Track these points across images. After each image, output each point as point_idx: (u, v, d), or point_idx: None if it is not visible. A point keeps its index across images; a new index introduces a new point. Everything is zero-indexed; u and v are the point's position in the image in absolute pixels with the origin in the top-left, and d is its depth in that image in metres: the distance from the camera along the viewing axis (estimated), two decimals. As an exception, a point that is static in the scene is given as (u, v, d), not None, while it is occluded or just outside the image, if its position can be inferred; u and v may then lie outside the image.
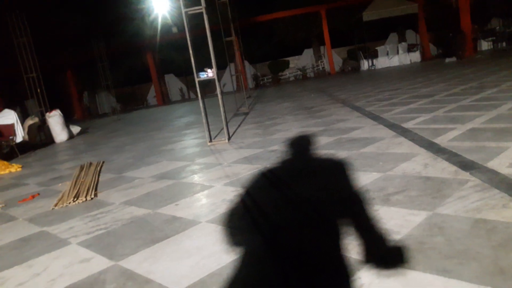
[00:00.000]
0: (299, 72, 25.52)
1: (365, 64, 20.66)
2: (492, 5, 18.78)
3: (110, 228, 2.78)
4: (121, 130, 10.94)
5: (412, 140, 3.71)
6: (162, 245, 2.32)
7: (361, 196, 2.51)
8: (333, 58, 24.32)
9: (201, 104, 5.55)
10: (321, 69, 25.43)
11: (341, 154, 3.68)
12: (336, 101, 8.55)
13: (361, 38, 20.82)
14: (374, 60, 20.10)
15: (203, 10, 5.27)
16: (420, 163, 2.95)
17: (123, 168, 5.06)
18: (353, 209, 2.35)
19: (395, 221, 2.06)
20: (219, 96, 5.63)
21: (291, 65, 26.38)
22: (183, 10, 5.31)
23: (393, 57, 19.87)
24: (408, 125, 4.46)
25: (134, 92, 25.95)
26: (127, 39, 21.03)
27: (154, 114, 16.07)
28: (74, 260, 2.31)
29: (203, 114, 5.59)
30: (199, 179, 3.77)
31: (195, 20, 5.82)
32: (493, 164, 2.65)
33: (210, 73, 5.51)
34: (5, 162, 6.95)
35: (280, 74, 25.84)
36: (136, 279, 1.94)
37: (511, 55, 12.78)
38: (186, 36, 5.34)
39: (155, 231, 2.57)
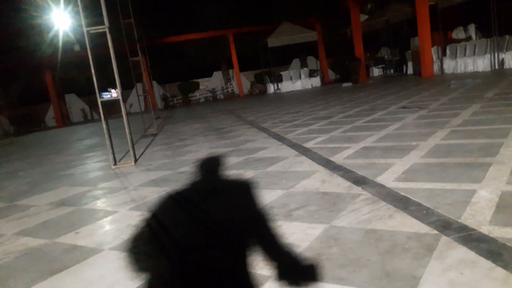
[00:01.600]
0: (209, 94, 25.76)
1: (271, 88, 21.60)
2: (381, 36, 21.03)
3: (0, 262, 2.52)
4: (12, 155, 9.95)
5: (312, 158, 3.98)
6: (61, 276, 2.17)
7: (265, 213, 2.63)
8: (242, 81, 25.07)
9: (104, 125, 5.32)
10: (230, 91, 25.98)
11: (248, 173, 3.80)
12: (244, 122, 8.80)
13: (267, 63, 21.79)
14: (279, 84, 21.12)
15: (106, 30, 5.12)
16: (319, 180, 3.19)
17: (16, 196, 4.61)
18: (258, 226, 2.45)
19: (296, 235, 2.20)
20: (124, 116, 5.47)
21: (201, 87, 26.53)
22: (85, 29, 5.11)
23: (296, 82, 21.09)
24: (309, 144, 4.78)
25: (30, 113, 23.80)
26: (22, 55, 19.37)
27: (53, 136, 14.91)
28: (-46, 301, 2.06)
29: (106, 135, 5.36)
30: (102, 205, 3.59)
31: (99, 39, 5.62)
32: (381, 179, 2.96)
33: (114, 93, 5.33)
34: None
35: (190, 95, 25.82)
36: (30, 316, 1.79)
37: (397, 81, 14.39)
38: (88, 55, 5.13)
39: (53, 262, 2.39)
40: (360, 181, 3.00)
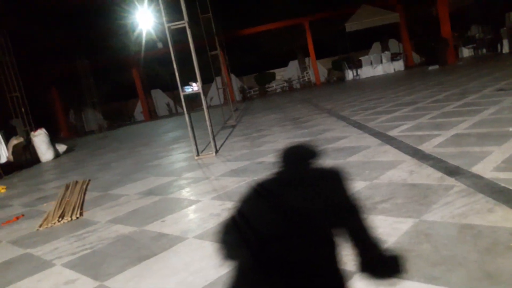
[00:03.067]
0: (285, 84, 25.70)
1: (349, 74, 20.91)
2: (471, 13, 19.24)
3: (95, 247, 2.73)
4: (107, 147, 10.83)
5: (397, 147, 3.74)
6: (149, 263, 2.28)
7: (347, 205, 2.51)
8: (318, 69, 24.60)
9: (187, 118, 5.53)
10: (306, 80, 25.66)
11: (328, 163, 3.68)
12: (322, 111, 8.60)
13: (345, 49, 21.11)
14: (359, 70, 20.36)
15: (186, 25, 5.28)
16: (406, 170, 2.97)
17: (109, 185, 4.99)
18: (340, 218, 2.35)
19: (382, 229, 2.06)
20: (205, 109, 5.63)
21: (277, 77, 26.57)
22: (166, 25, 5.32)
23: (377, 67, 20.16)
24: (393, 133, 4.50)
25: (121, 108, 25.80)
26: (111, 54, 20.97)
27: (141, 129, 15.98)
28: (59, 282, 2.26)
29: (189, 128, 5.57)
30: (186, 194, 3.73)
31: (180, 35, 5.82)
32: (477, 169, 2.67)
33: (195, 87, 5.50)
34: (-11, 184, 6.82)
35: (266, 86, 26.00)
36: (122, 300, 1.89)
37: (491, 61, 13.07)
38: (170, 51, 5.35)
39: (141, 249, 2.52)
40: (453, 171, 2.73)
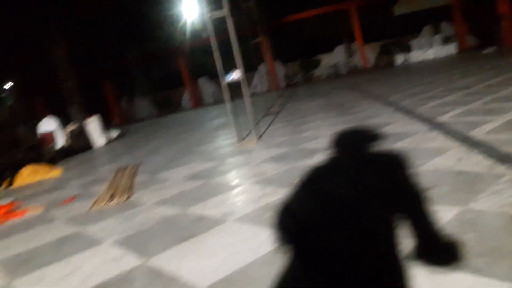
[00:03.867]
0: (331, 70, 25.20)
1: (399, 58, 20.13)
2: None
3: (141, 228, 2.86)
4: (156, 133, 11.21)
5: (446, 133, 3.58)
6: (190, 243, 2.36)
7: (391, 192, 2.45)
8: (366, 54, 23.85)
9: (228, 106, 5.60)
10: (353, 65, 25.00)
11: (371, 150, 3.60)
12: (368, 97, 8.37)
13: (393, 33, 20.30)
14: (408, 54, 19.54)
15: (226, 14, 5.31)
16: (454, 157, 2.84)
17: (156, 169, 5.18)
18: (384, 206, 2.30)
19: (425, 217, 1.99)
20: (247, 97, 5.66)
21: (322, 63, 26.07)
22: (206, 15, 5.38)
23: (427, 50, 19.24)
24: (443, 118, 4.30)
25: (169, 97, 26.48)
26: (159, 44, 21.51)
27: (187, 117, 16.36)
28: (106, 258, 2.40)
29: (231, 116, 5.63)
30: (227, 179, 3.80)
31: (224, 24, 5.87)
32: (532, 157, 2.51)
33: (236, 75, 5.54)
34: (48, 167, 7.29)
35: (311, 72, 25.62)
36: (163, 277, 1.98)
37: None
38: (212, 40, 5.41)
39: (183, 230, 2.62)
40: (504, 159, 2.58)
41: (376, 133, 4.32)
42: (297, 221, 2.38)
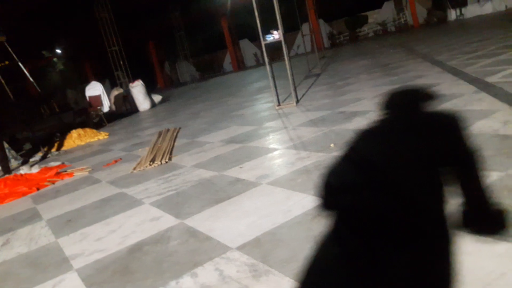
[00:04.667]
0: (378, 27, 24.01)
1: (452, 14, 18.76)
2: None
3: (179, 189, 2.97)
4: (198, 97, 11.36)
5: (494, 95, 3.35)
6: (224, 205, 2.42)
7: (432, 156, 2.36)
8: (417, 9, 22.40)
9: (268, 68, 5.53)
10: (403, 22, 23.63)
11: (413, 113, 3.46)
12: (416, 56, 7.95)
13: (448, -15, 18.85)
14: (463, 9, 18.14)
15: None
16: (500, 120, 2.67)
17: (196, 133, 5.30)
18: (425, 170, 2.23)
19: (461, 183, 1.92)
20: (286, 58, 5.55)
21: (370, 20, 24.84)
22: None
23: (485, 4, 17.74)
24: (493, 79, 4.02)
25: (212, 60, 26.56)
26: (202, 6, 21.34)
27: (229, 80, 16.38)
28: (146, 218, 2.52)
29: (270, 78, 5.57)
30: (264, 143, 3.82)
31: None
32: None
33: (276, 35, 5.42)
34: (94, 131, 7.66)
35: (358, 30, 24.55)
36: (198, 236, 2.06)
37: None
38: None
39: (219, 192, 2.69)
40: (558, 121, 2.39)
41: (421, 94, 4.13)
42: (332, 186, 2.36)
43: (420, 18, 22.79)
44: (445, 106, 3.41)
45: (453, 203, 1.75)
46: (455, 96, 3.68)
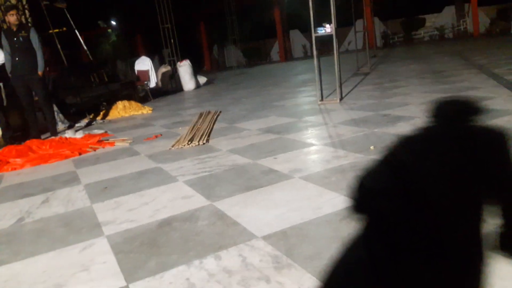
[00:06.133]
0: (435, 32, 23.06)
1: (518, 26, 17.69)
2: None
3: (213, 171, 3.01)
4: (242, 84, 11.41)
5: (554, 116, 3.14)
6: (255, 193, 2.43)
7: (479, 171, 2.26)
8: (479, 18, 21.30)
9: (315, 61, 5.45)
10: (462, 29, 22.56)
11: (460, 125, 3.31)
12: (472, 66, 7.58)
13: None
14: (531, 21, 17.06)
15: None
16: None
17: (235, 118, 5.33)
18: (470, 185, 2.14)
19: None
20: (335, 53, 5.44)
21: (427, 24, 23.89)
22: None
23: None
24: (555, 98, 3.77)
25: (260, 47, 26.50)
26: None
27: (274, 70, 16.32)
28: (178, 195, 2.58)
29: (316, 71, 5.50)
30: (301, 137, 3.78)
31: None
32: None
33: (328, 29, 5.32)
34: (139, 104, 7.89)
35: (413, 33, 23.68)
36: (225, 220, 2.09)
37: None
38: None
39: (251, 179, 2.70)
40: None
41: (471, 107, 3.94)
42: (366, 189, 2.31)
43: (482, 27, 21.66)
44: (495, 122, 3.23)
45: (491, 223, 1.67)
46: (508, 112, 3.49)
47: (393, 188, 2.27)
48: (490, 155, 2.53)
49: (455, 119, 3.68)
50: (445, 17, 23.36)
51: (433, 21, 23.75)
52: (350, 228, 1.81)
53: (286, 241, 1.77)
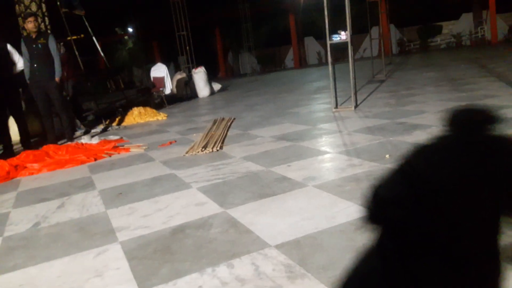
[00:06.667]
0: (452, 39, 22.79)
1: (538, 33, 17.37)
2: None
3: (226, 178, 3.01)
4: (256, 90, 11.43)
5: None
6: (268, 201, 2.42)
7: (497, 183, 2.21)
8: (497, 25, 20.98)
9: (330, 68, 5.43)
10: (480, 37, 22.25)
11: (476, 134, 3.25)
12: (490, 74, 7.46)
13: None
14: (552, 28, 16.73)
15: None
16: None
17: (249, 125, 5.34)
18: (487, 196, 2.09)
19: (524, 216, 1.77)
20: (350, 61, 5.42)
21: (444, 31, 23.63)
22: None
23: None
24: None
25: (274, 54, 26.54)
26: (269, 1, 21.36)
27: (288, 76, 16.32)
28: (191, 202, 2.59)
29: (331, 78, 5.47)
30: (315, 144, 3.76)
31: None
32: None
33: (343, 36, 5.31)
34: (154, 111, 7.96)
35: (429, 40, 23.45)
36: (238, 228, 2.08)
37: None
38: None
39: (265, 187, 2.69)
40: None
41: (489, 116, 3.87)
42: (381, 199, 2.28)
43: (500, 34, 21.33)
44: (516, 131, 3.17)
45: (510, 235, 1.63)
46: (529, 121, 3.42)
47: (409, 198, 2.23)
48: (508, 166, 2.47)
49: (472, 128, 3.62)
50: (463, 24, 23.07)
51: (450, 28, 23.48)
52: (364, 238, 1.78)
53: (300, 250, 1.75)
